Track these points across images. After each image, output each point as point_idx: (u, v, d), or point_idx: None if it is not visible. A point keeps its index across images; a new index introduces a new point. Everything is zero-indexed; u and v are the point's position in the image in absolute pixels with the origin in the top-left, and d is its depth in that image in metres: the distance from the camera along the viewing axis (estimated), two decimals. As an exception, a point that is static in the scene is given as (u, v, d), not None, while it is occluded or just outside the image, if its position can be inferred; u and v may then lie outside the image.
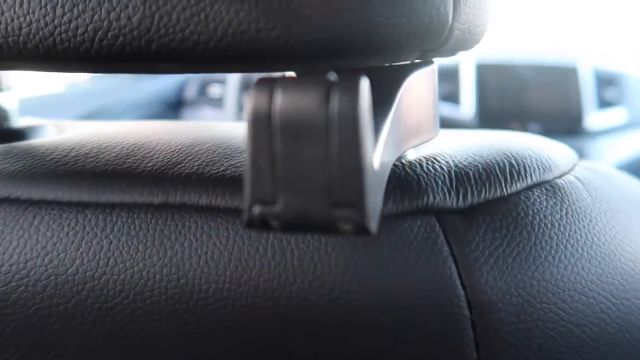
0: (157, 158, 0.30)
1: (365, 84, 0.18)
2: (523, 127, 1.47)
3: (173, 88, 1.84)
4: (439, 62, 0.30)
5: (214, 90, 1.81)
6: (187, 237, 0.26)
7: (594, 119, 1.45)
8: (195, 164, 0.29)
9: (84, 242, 0.27)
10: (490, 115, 1.50)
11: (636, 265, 0.28)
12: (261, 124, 0.18)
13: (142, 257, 0.26)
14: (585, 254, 0.27)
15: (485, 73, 1.52)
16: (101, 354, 0.27)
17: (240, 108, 1.69)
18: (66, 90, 1.70)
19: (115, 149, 0.31)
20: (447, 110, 1.47)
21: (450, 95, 1.51)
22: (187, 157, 0.30)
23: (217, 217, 0.26)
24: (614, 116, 1.47)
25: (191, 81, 1.84)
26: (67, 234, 0.27)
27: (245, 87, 1.75)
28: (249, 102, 0.18)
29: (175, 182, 0.27)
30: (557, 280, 0.26)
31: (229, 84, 1.72)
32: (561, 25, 1.86)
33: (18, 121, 0.38)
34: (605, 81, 1.49)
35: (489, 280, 0.25)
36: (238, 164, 0.29)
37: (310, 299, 0.25)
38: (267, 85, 0.18)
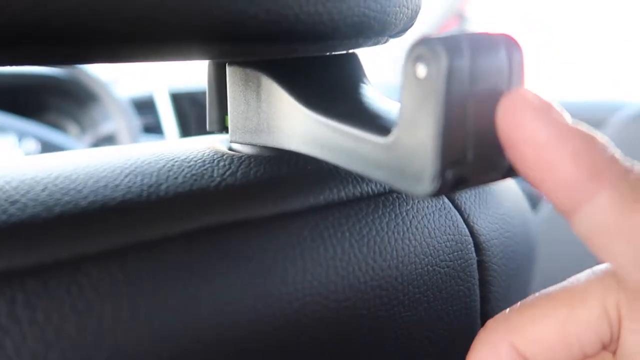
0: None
1: None
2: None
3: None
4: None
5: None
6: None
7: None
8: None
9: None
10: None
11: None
12: (455, 80, 0.17)
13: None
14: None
15: (180, 101, 1.50)
16: None
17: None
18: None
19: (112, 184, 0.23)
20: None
21: (152, 127, 1.45)
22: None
23: None
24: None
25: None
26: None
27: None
28: (439, 60, 0.17)
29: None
30: (512, 214, 0.30)
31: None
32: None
33: None
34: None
35: (481, 224, 0.28)
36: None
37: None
38: (455, 42, 0.17)
